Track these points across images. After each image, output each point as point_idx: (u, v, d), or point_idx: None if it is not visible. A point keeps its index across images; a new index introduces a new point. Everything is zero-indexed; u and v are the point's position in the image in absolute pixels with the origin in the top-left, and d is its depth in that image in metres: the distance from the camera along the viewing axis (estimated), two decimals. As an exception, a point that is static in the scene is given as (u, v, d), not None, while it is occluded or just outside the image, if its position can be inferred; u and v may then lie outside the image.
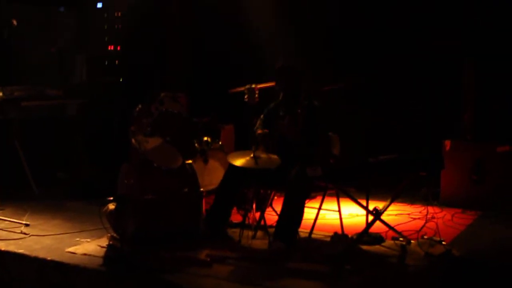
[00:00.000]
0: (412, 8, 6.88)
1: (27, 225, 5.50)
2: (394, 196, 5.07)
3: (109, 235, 4.93)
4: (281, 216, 4.84)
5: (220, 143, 6.13)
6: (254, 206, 5.21)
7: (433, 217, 5.54)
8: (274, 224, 5.04)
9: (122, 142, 5.69)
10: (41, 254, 4.70)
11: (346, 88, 6.07)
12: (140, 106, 5.43)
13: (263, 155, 4.81)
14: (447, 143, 6.23)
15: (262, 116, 5.32)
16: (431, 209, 5.78)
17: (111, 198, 5.03)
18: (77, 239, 5.12)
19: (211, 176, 5.82)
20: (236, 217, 5.32)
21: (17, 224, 5.57)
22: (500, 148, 6.03)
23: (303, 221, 4.96)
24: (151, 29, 8.11)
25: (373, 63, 7.12)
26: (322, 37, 7.36)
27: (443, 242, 4.72)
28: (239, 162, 4.80)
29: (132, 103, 5.61)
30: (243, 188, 5.25)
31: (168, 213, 5.00)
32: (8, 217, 5.72)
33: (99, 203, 5.26)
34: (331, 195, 5.27)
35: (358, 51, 7.19)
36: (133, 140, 5.28)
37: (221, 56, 7.77)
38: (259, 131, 5.12)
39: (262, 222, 5.10)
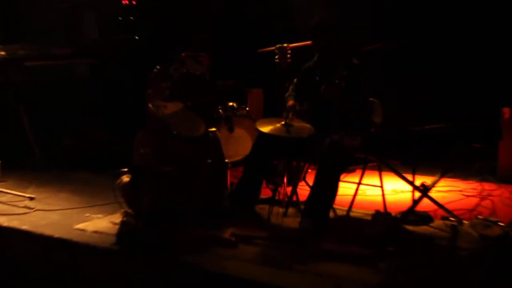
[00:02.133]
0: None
1: (31, 198, 5.51)
2: (444, 170, 5.04)
3: (122, 210, 4.85)
4: (312, 191, 4.69)
5: (247, 109, 6.09)
6: (285, 180, 5.18)
7: (489, 195, 5.54)
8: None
9: (137, 107, 5.80)
10: (47, 231, 4.65)
11: (388, 49, 6.08)
12: (158, 67, 5.48)
13: (296, 123, 4.68)
14: (506, 110, 6.12)
15: (295, 79, 5.21)
16: (486, 186, 5.88)
17: (125, 170, 4.94)
18: (87, 214, 5.11)
19: (237, 145, 5.83)
20: (265, 192, 5.26)
21: (21, 197, 5.58)
22: None
23: (341, 198, 4.91)
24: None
25: (418, 24, 6.94)
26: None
27: (500, 223, 4.54)
28: (268, 129, 4.64)
29: (149, 64, 5.65)
30: (273, 160, 5.18)
31: (189, 186, 4.87)
32: (11, 190, 5.71)
33: (111, 174, 5.24)
34: (372, 169, 5.17)
35: (402, 11, 7.07)
36: (150, 105, 5.30)
37: (249, 13, 7.73)
38: (290, 102, 5.06)
39: (294, 198, 5.04)
